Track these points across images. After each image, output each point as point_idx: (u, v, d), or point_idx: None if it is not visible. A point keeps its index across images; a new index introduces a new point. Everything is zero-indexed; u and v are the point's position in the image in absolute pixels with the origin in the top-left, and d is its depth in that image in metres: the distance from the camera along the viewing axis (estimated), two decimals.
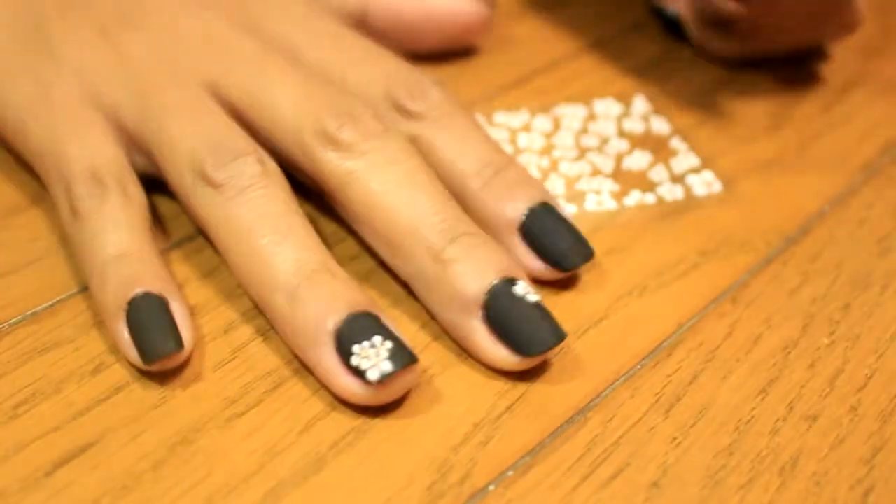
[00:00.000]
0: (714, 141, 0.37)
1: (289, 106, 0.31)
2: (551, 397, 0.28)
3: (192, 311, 0.29)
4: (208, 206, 0.30)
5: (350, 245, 0.32)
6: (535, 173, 0.35)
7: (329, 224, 0.33)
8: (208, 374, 0.28)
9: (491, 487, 0.26)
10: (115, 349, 0.28)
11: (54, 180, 0.31)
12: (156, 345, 0.27)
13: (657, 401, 0.28)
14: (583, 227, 0.31)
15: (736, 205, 0.35)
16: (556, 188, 0.35)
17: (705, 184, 0.35)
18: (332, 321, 0.27)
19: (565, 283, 0.31)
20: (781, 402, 0.28)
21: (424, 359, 0.28)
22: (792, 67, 0.41)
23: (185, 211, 0.32)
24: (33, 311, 0.30)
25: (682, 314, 0.30)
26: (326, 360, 0.27)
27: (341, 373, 0.27)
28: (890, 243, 0.33)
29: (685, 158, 0.36)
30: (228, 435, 0.26)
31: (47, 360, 0.28)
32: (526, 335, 0.28)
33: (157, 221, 0.32)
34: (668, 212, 0.34)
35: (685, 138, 0.37)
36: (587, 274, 0.32)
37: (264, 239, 0.28)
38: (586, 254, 0.31)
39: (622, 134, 0.38)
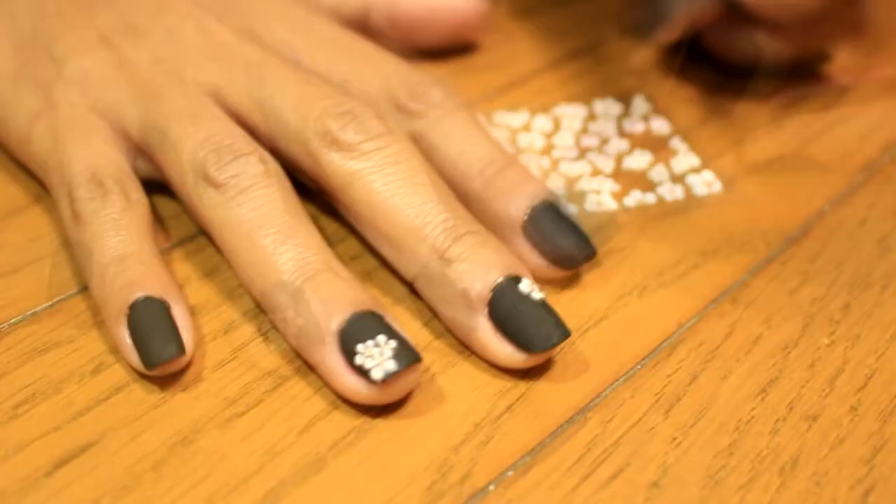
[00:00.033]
0: (714, 141, 0.37)
1: (290, 108, 0.31)
2: (551, 397, 0.28)
3: (193, 311, 0.29)
4: (211, 206, 0.30)
5: (351, 244, 0.32)
6: (535, 173, 0.35)
7: (330, 224, 0.33)
8: (208, 374, 0.28)
9: (491, 487, 0.26)
10: (115, 349, 0.28)
11: (56, 184, 0.31)
12: (157, 350, 0.27)
13: (657, 401, 0.28)
14: (583, 227, 0.31)
15: (736, 205, 0.35)
16: (556, 188, 0.35)
17: (705, 184, 0.35)
18: (336, 321, 0.27)
19: (565, 283, 0.31)
20: (781, 402, 0.28)
21: (425, 358, 0.28)
22: (792, 67, 0.41)
23: (188, 212, 0.32)
24: (33, 311, 0.30)
25: (682, 314, 0.30)
26: (330, 359, 0.27)
27: (345, 372, 0.27)
28: (890, 243, 0.33)
29: (685, 158, 0.36)
30: (228, 435, 0.26)
31: (47, 360, 0.28)
32: (531, 332, 0.28)
33: (159, 224, 0.32)
34: (669, 212, 0.34)
35: (685, 138, 0.37)
36: (587, 274, 0.32)
37: (267, 238, 0.29)
38: (589, 251, 0.31)
39: (622, 134, 0.38)
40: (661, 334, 0.30)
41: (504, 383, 0.28)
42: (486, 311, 0.28)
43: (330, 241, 0.30)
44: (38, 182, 0.33)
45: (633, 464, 0.26)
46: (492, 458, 0.26)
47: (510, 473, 0.26)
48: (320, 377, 0.28)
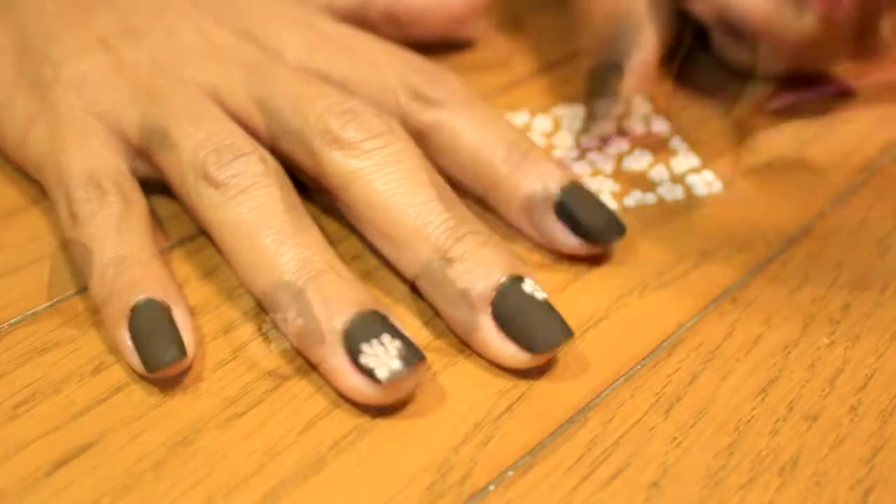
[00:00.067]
0: (714, 141, 0.37)
1: (290, 107, 0.31)
2: (551, 397, 0.28)
3: (193, 312, 0.29)
4: (211, 206, 0.30)
5: (352, 244, 0.32)
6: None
7: (331, 223, 0.33)
8: (208, 374, 0.28)
9: (491, 487, 0.26)
10: (115, 349, 0.28)
11: (53, 186, 0.31)
12: (159, 354, 0.27)
13: (657, 401, 0.28)
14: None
15: (736, 205, 0.35)
16: None
17: (705, 184, 0.35)
18: (340, 321, 0.27)
19: (565, 283, 0.31)
20: (781, 402, 0.28)
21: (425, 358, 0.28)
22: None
23: (188, 212, 0.32)
24: (33, 311, 0.30)
25: (682, 314, 0.30)
26: (334, 359, 0.27)
27: (350, 372, 0.27)
28: (890, 243, 0.33)
29: (685, 158, 0.36)
30: (228, 435, 0.26)
31: (47, 360, 0.28)
32: (534, 332, 0.28)
33: (159, 224, 0.32)
34: (669, 212, 0.34)
35: (685, 138, 0.37)
36: (587, 274, 0.32)
37: (267, 238, 0.29)
38: (621, 227, 0.31)
39: (622, 134, 0.38)
40: (661, 334, 0.30)
41: (504, 383, 0.28)
42: (488, 310, 0.28)
43: (330, 241, 0.30)
44: (37, 183, 0.33)
45: (633, 464, 0.26)
46: (492, 457, 0.26)
47: (510, 473, 0.26)
48: (322, 376, 0.28)
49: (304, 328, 0.27)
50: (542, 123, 0.38)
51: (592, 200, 0.31)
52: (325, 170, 0.30)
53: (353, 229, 0.32)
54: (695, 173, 0.36)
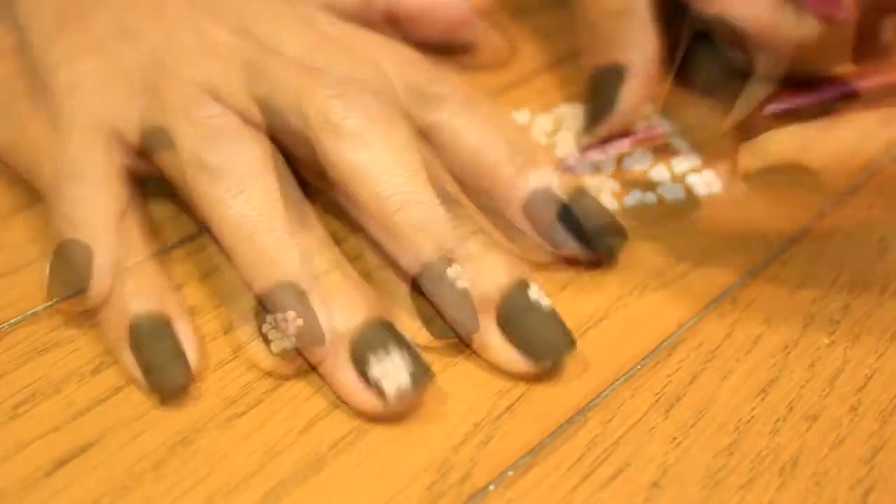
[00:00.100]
0: (715, 141, 0.37)
1: (290, 102, 0.31)
2: (551, 397, 0.28)
3: (192, 312, 0.29)
4: (211, 202, 0.29)
5: (352, 244, 0.32)
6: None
7: (331, 223, 0.33)
8: (208, 374, 0.28)
9: (491, 487, 0.25)
10: (114, 350, 0.28)
11: (50, 188, 0.31)
12: (165, 382, 0.27)
13: (657, 401, 0.28)
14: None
15: (736, 205, 0.35)
16: None
17: (706, 184, 0.35)
18: (346, 327, 0.27)
19: (565, 283, 0.31)
20: (781, 402, 0.28)
21: (425, 358, 0.28)
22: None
23: (191, 209, 0.32)
24: (33, 311, 0.30)
25: (682, 314, 0.30)
26: (341, 370, 0.27)
27: (356, 384, 0.27)
28: (890, 243, 0.33)
29: (686, 158, 0.36)
30: (228, 435, 0.26)
31: (47, 360, 0.28)
32: (538, 341, 0.28)
33: (159, 224, 0.32)
34: (669, 212, 0.34)
35: (686, 138, 0.37)
36: (587, 274, 0.32)
37: (268, 237, 0.28)
38: (623, 235, 0.31)
39: (623, 134, 0.38)
40: (661, 334, 0.30)
41: (504, 383, 0.28)
42: (493, 314, 0.28)
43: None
44: None
45: (633, 464, 0.26)
46: (492, 458, 0.26)
47: (510, 473, 0.26)
48: (322, 377, 0.28)
49: (303, 328, 0.27)
50: (543, 123, 0.38)
51: (595, 206, 0.31)
52: (326, 161, 0.30)
53: (354, 230, 0.32)
54: (695, 173, 0.36)
